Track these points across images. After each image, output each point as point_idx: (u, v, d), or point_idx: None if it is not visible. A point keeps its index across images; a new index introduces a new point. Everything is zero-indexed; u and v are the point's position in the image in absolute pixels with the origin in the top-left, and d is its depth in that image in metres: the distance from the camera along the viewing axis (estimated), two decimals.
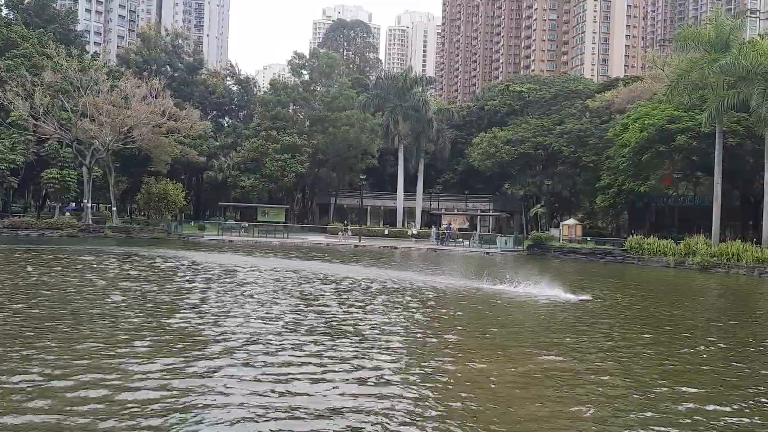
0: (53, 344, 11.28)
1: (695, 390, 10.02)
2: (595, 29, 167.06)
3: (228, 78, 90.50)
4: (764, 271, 36.49)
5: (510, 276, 25.07)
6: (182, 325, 13.70)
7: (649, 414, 8.62)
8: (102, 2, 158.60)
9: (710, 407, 9.08)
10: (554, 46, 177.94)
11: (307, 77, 78.29)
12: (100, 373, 9.44)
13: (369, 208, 78.87)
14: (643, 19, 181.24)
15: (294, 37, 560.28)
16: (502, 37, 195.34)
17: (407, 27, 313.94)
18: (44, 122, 52.43)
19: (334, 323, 14.67)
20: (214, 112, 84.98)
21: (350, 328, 14.07)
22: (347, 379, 9.75)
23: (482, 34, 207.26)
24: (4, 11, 68.62)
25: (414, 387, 9.49)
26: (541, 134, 68.65)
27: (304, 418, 7.91)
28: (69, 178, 54.21)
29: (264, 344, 11.85)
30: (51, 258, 29.20)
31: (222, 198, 74.76)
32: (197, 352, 11.16)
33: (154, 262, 28.98)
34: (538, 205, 68.69)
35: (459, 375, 10.50)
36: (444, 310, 17.99)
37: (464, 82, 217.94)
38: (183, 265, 28.58)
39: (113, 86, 57.01)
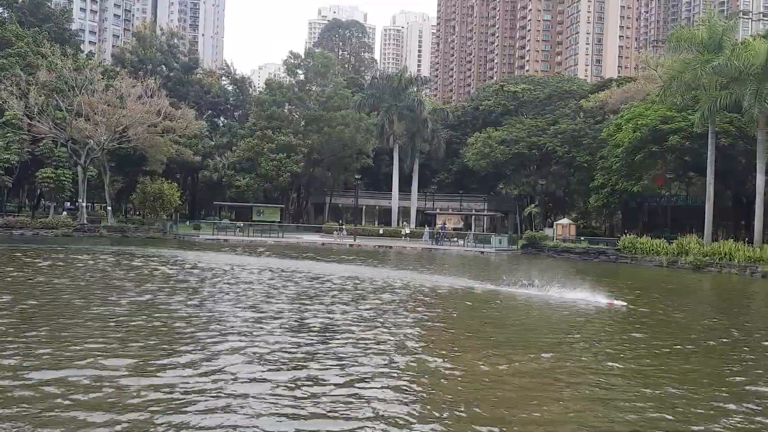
0: (47, 344, 11.39)
1: None
2: (589, 30, 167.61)
3: (223, 78, 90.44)
4: (756, 270, 36.79)
5: (537, 278, 23.68)
6: (176, 324, 13.83)
7: None
8: (97, 1, 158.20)
9: None
10: (548, 46, 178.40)
11: (302, 77, 78.37)
12: (91, 369, 9.56)
13: (364, 207, 79.01)
14: (637, 20, 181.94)
15: (289, 36, 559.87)
16: (497, 37, 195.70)
17: (402, 27, 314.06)
18: (39, 121, 52.36)
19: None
20: (210, 111, 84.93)
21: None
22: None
23: (477, 34, 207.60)
24: None
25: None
26: (536, 134, 68.90)
27: (302, 418, 7.98)
28: (64, 178, 54.14)
29: (259, 344, 11.92)
30: (47, 257, 29.26)
31: (217, 197, 74.77)
32: (193, 353, 11.27)
33: (149, 262, 29.07)
34: (532, 205, 68.96)
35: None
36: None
37: (459, 82, 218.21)
38: (177, 264, 28.69)
39: (108, 86, 56.98)
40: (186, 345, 11.56)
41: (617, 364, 11.47)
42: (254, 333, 12.86)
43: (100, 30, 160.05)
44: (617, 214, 69.94)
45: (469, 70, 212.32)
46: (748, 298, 26.49)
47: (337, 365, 10.49)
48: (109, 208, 60.02)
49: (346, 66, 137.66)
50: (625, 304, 19.51)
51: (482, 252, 51.91)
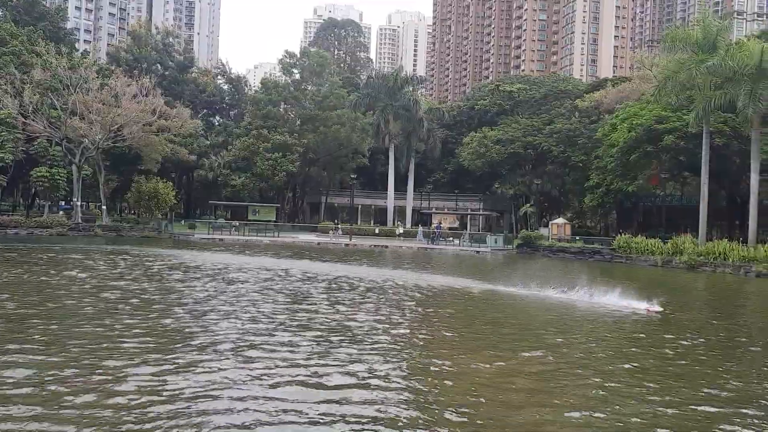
0: (42, 343, 11.38)
1: None
2: (584, 30, 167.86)
3: (219, 77, 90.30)
4: (750, 270, 36.94)
5: (571, 284, 22.41)
6: (171, 324, 13.83)
7: None
8: (92, 0, 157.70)
9: None
10: (544, 46, 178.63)
11: (298, 76, 78.32)
12: (87, 370, 9.55)
13: (360, 207, 79.01)
14: (632, 20, 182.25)
15: (285, 36, 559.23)
16: (493, 37, 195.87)
17: (398, 26, 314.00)
18: (33, 120, 52.19)
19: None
20: (205, 110, 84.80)
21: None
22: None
23: (473, 33, 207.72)
24: None
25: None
26: (531, 134, 69.02)
27: (297, 420, 7.97)
28: (58, 177, 53.97)
29: (255, 344, 11.92)
30: (41, 256, 29.18)
31: (213, 197, 74.68)
32: (187, 352, 11.28)
33: (144, 261, 29.03)
34: (528, 205, 69.09)
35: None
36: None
37: (455, 81, 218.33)
38: (172, 263, 28.65)
39: (103, 84, 56.83)
40: (181, 345, 11.55)
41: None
42: (250, 333, 12.84)
43: (95, 29, 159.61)
44: (612, 214, 70.10)
45: (465, 69, 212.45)
46: None
47: (339, 365, 10.50)
48: (104, 207, 59.90)
49: (342, 65, 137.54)
50: (661, 309, 18.35)
51: (478, 251, 51.97)
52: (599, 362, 11.74)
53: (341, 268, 29.97)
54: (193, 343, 11.70)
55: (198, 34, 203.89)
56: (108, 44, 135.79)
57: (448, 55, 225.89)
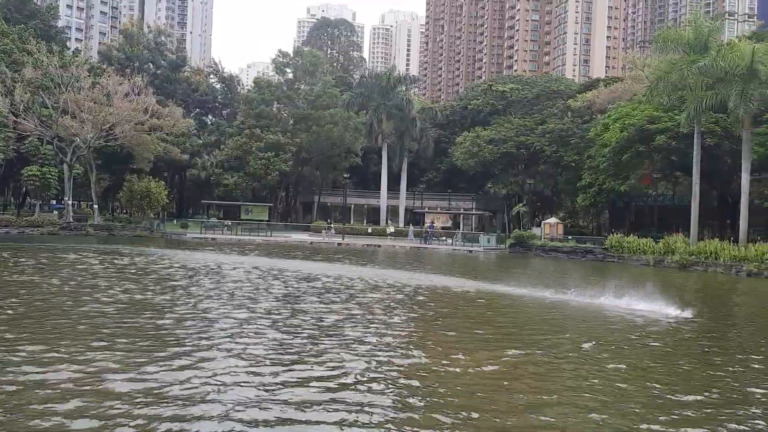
0: (34, 342, 11.32)
1: None
2: (577, 30, 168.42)
3: (211, 76, 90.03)
4: (741, 269, 37.15)
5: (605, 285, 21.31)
6: (164, 324, 13.79)
7: None
8: None
9: None
10: (536, 46, 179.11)
11: (291, 75, 78.22)
12: (80, 373, 9.51)
13: (353, 206, 78.99)
14: (624, 20, 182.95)
15: (278, 35, 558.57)
16: (486, 37, 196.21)
17: (391, 26, 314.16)
18: (24, 119, 51.87)
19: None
20: (198, 109, 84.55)
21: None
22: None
23: (466, 33, 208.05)
24: None
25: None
26: (524, 134, 69.16)
27: (291, 419, 7.98)
28: (49, 176, 53.70)
29: (245, 343, 11.87)
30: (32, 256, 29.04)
31: (205, 196, 74.47)
32: (180, 353, 11.25)
33: (136, 260, 28.92)
34: (520, 204, 69.21)
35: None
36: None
37: (448, 81, 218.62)
38: (164, 263, 28.56)
39: (95, 83, 56.54)
40: (173, 345, 11.51)
41: None
42: (242, 333, 12.80)
43: (87, 27, 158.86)
44: (604, 214, 70.32)
45: (458, 69, 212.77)
46: None
47: (332, 366, 10.49)
48: (96, 206, 59.59)
49: (335, 65, 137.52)
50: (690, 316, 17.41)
51: (470, 251, 52.06)
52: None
53: (334, 268, 29.95)
54: (183, 343, 11.66)
55: (190, 33, 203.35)
56: (100, 43, 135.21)
57: (441, 54, 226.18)
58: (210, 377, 9.30)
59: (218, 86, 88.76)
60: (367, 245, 52.98)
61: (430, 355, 11.71)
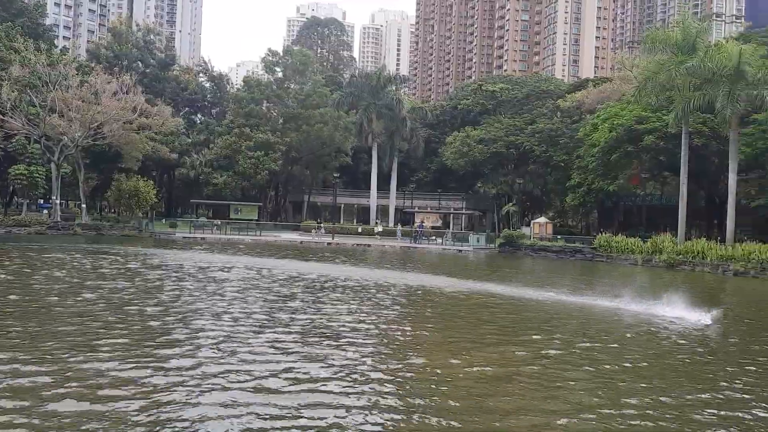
0: (23, 342, 11.24)
1: None
2: (566, 30, 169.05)
3: (201, 74, 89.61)
4: (728, 268, 37.46)
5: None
6: (152, 323, 13.73)
7: None
8: None
9: None
10: (526, 46, 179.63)
11: (280, 75, 78.04)
12: (71, 372, 9.46)
13: (342, 206, 78.96)
14: (613, 21, 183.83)
15: (268, 34, 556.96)
16: (476, 36, 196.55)
17: (381, 26, 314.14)
18: (11, 117, 51.41)
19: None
20: (187, 108, 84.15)
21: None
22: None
23: (456, 33, 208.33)
24: None
25: None
26: (513, 133, 69.37)
27: (282, 417, 7.98)
28: (37, 175, 53.29)
29: (234, 343, 11.85)
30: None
31: (194, 195, 74.12)
32: (171, 353, 11.20)
33: (124, 260, 28.76)
34: (510, 204, 69.41)
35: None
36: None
37: (438, 81, 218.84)
38: (152, 262, 28.43)
39: (83, 81, 56.13)
40: (162, 346, 11.46)
41: None
42: (232, 333, 12.76)
43: (75, 25, 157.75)
44: (593, 213, 70.67)
45: (448, 69, 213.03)
46: None
47: (321, 366, 10.48)
48: (84, 205, 59.24)
49: (325, 64, 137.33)
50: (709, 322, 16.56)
51: (460, 251, 52.14)
52: None
53: (323, 268, 29.93)
54: (172, 342, 11.62)
55: (180, 31, 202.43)
56: (88, 41, 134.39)
57: (431, 54, 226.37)
58: (200, 378, 9.27)
59: (207, 85, 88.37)
60: (357, 245, 52.95)
61: (422, 355, 11.72)
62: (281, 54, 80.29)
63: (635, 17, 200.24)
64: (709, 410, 8.92)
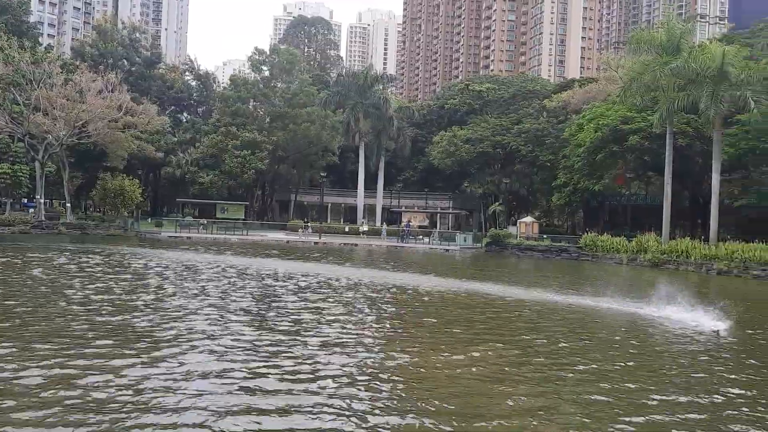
0: (9, 343, 11.17)
1: None
2: (552, 31, 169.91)
3: (187, 73, 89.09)
4: (711, 267, 37.85)
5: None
6: (138, 324, 13.67)
7: None
8: None
9: None
10: (513, 46, 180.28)
11: (267, 73, 77.80)
12: (57, 369, 9.41)
13: (329, 205, 78.90)
14: (598, 21, 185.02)
15: (254, 33, 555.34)
16: (462, 36, 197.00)
17: (368, 25, 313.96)
18: None
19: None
20: (173, 107, 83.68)
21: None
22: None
23: (443, 33, 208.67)
24: None
25: None
26: (500, 133, 69.65)
27: (268, 416, 7.99)
28: (21, 174, 52.80)
29: (223, 342, 11.84)
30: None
31: (180, 194, 73.70)
32: (155, 352, 11.17)
33: (109, 259, 28.58)
34: (497, 203, 69.69)
35: None
36: None
37: (425, 80, 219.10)
38: (138, 261, 28.28)
39: (67, 80, 55.62)
40: (148, 344, 11.42)
41: None
42: (218, 331, 12.74)
43: (60, 23, 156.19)
44: (579, 213, 71.14)
45: (435, 68, 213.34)
46: None
47: (307, 365, 10.49)
48: (68, 204, 58.67)
49: (312, 63, 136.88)
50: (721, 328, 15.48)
51: (447, 250, 52.30)
52: None
53: (310, 267, 29.92)
54: (158, 341, 11.58)
55: (165, 29, 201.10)
56: (72, 39, 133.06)
57: (419, 54, 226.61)
58: (184, 377, 9.26)
59: (194, 84, 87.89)
60: (344, 244, 52.95)
61: (410, 354, 11.76)
62: (268, 53, 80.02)
63: (621, 18, 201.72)
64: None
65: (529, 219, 59.94)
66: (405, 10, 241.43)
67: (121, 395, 8.26)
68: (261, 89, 75.31)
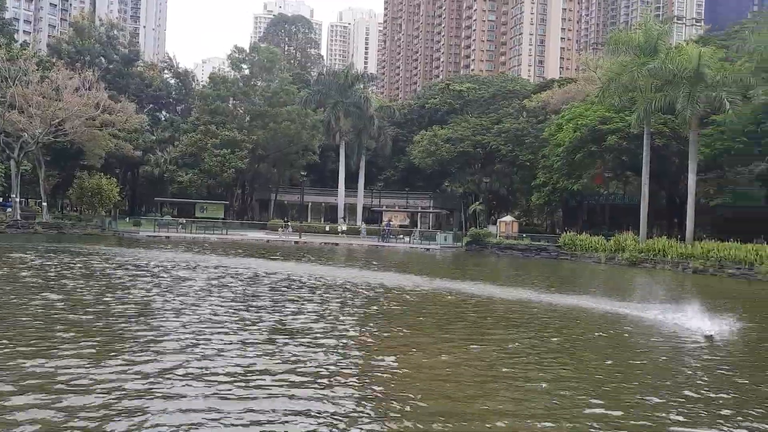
0: None
1: None
2: (532, 31, 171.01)
3: (165, 71, 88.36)
4: (687, 266, 38.35)
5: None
6: (116, 323, 13.53)
7: None
8: None
9: None
10: (493, 46, 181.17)
11: (247, 72, 77.40)
12: (34, 378, 9.29)
13: (310, 204, 78.70)
14: (577, 22, 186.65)
15: (234, 31, 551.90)
16: (443, 36, 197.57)
17: (349, 24, 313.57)
18: None
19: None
20: (151, 105, 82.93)
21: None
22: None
23: (423, 33, 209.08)
24: None
25: None
26: (480, 133, 69.96)
27: (256, 421, 7.92)
28: None
29: (203, 343, 11.74)
30: None
31: (159, 193, 72.99)
32: (128, 352, 11.06)
33: (86, 259, 28.23)
34: (477, 203, 69.99)
35: None
36: None
37: (405, 80, 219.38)
38: (116, 261, 27.98)
39: (44, 77, 54.84)
40: (126, 345, 11.30)
41: None
42: (198, 332, 12.62)
43: (36, 19, 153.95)
44: (558, 212, 71.68)
45: (416, 68, 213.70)
46: None
47: (287, 364, 10.45)
48: (45, 203, 57.90)
49: (292, 62, 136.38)
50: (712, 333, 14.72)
51: (428, 249, 52.43)
52: None
53: (290, 267, 29.81)
54: (135, 342, 11.46)
55: (144, 27, 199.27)
56: (49, 36, 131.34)
57: (399, 53, 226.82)
58: (165, 377, 9.18)
59: (172, 82, 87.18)
60: (324, 243, 52.86)
61: (391, 354, 11.77)
62: (248, 51, 79.64)
63: (599, 19, 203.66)
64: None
65: (509, 218, 60.24)
66: (386, 9, 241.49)
67: (98, 397, 8.17)
68: (241, 88, 74.91)
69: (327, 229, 65.47)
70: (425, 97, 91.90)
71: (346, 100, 71.97)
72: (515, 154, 66.29)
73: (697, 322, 15.83)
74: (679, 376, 10.93)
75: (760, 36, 44.40)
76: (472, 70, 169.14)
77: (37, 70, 55.45)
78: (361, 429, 7.65)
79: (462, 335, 13.84)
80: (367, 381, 9.71)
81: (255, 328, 13.38)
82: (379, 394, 9.06)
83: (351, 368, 10.43)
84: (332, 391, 9.00)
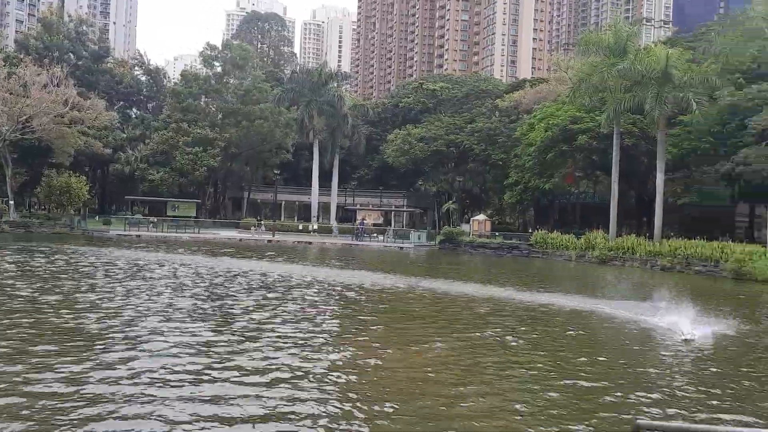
0: None
1: None
2: (504, 31, 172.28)
3: (136, 68, 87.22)
4: (656, 263, 39.10)
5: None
6: (86, 323, 13.41)
7: None
8: None
9: None
10: (466, 46, 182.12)
11: (219, 69, 76.67)
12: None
13: (283, 203, 78.30)
14: (549, 23, 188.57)
15: (206, 28, 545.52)
16: (417, 35, 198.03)
17: (323, 22, 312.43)
18: None
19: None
20: (122, 102, 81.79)
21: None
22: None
23: (397, 32, 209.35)
24: None
25: None
26: (453, 132, 70.35)
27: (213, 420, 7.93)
28: None
29: (175, 343, 11.69)
30: None
31: (129, 192, 71.90)
32: (103, 354, 11.00)
33: (53, 258, 27.83)
34: (450, 202, 70.39)
35: None
36: None
37: (379, 79, 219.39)
38: (83, 260, 27.62)
39: (11, 73, 53.80)
40: (100, 345, 11.21)
41: None
42: (170, 332, 12.55)
43: (2, 14, 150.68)
44: (530, 211, 72.46)
45: (390, 67, 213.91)
46: None
47: (262, 363, 10.46)
48: (12, 202, 56.78)
49: (265, 59, 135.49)
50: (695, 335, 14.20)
51: (401, 248, 52.59)
52: None
53: (263, 266, 29.70)
54: (104, 342, 11.38)
55: (114, 23, 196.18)
56: (16, 31, 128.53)
57: (373, 52, 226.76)
58: (135, 378, 9.14)
59: (143, 78, 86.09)
60: (298, 242, 52.73)
61: (361, 351, 11.85)
62: (220, 48, 78.92)
63: (570, 20, 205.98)
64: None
65: (481, 217, 60.67)
66: (359, 8, 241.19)
67: (67, 398, 8.12)
68: (213, 85, 74.28)
69: (300, 228, 65.28)
70: (399, 96, 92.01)
71: (320, 99, 71.70)
72: (488, 154, 66.82)
73: (663, 319, 16.17)
74: (650, 370, 11.20)
75: (725, 38, 45.48)
76: (446, 69, 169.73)
77: (3, 66, 54.46)
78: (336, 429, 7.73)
79: (436, 333, 13.97)
80: (342, 381, 9.77)
81: (223, 328, 13.36)
82: (353, 394, 9.11)
83: (325, 368, 10.47)
84: (306, 393, 9.00)
